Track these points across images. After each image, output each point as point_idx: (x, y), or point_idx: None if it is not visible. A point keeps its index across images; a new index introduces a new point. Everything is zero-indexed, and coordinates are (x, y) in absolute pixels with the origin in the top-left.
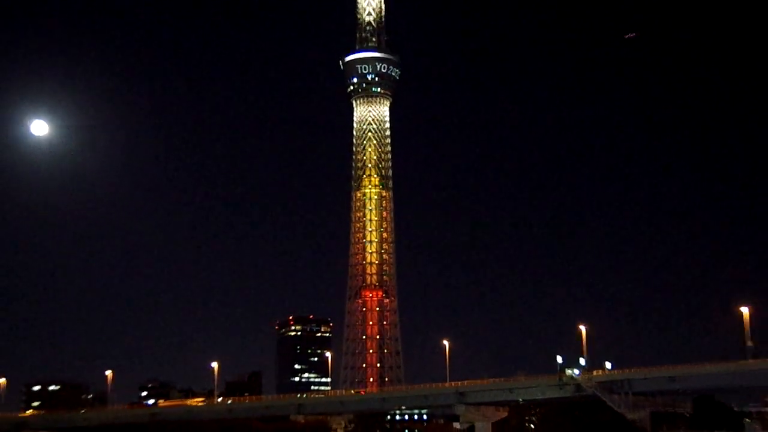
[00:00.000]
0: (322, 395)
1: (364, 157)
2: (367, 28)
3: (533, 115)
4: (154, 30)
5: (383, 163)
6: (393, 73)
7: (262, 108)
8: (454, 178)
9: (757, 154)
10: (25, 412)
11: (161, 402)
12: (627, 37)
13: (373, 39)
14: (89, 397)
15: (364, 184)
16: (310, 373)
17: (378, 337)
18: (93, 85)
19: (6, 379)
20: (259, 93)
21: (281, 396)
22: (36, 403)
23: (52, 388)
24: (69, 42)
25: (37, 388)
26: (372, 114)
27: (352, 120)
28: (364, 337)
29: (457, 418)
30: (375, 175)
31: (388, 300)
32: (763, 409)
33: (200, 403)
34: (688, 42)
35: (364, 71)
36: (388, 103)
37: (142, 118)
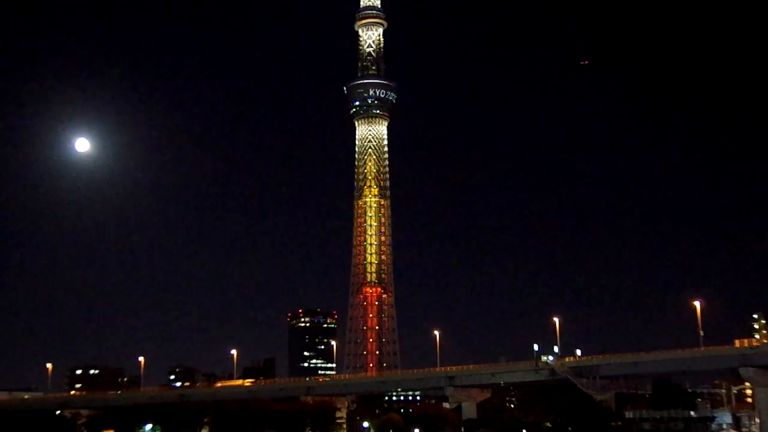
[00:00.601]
0: (328, 379)
1: (365, 170)
2: (368, 58)
3: (509, 131)
4: (182, 61)
5: (382, 175)
6: (390, 97)
7: (278, 127)
8: (444, 188)
9: (714, 153)
10: (68, 392)
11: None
12: (582, 63)
13: (373, 68)
14: (125, 380)
15: (365, 193)
16: (317, 359)
17: (377, 327)
18: (128, 108)
19: (52, 364)
20: (276, 114)
21: (292, 379)
22: (78, 385)
23: (92, 371)
24: (108, 70)
25: (79, 371)
26: (372, 132)
27: (355, 138)
28: (364, 327)
29: (446, 399)
30: (374, 186)
31: (386, 295)
32: (712, 390)
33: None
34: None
35: (365, 95)
36: (385, 123)
37: (173, 136)
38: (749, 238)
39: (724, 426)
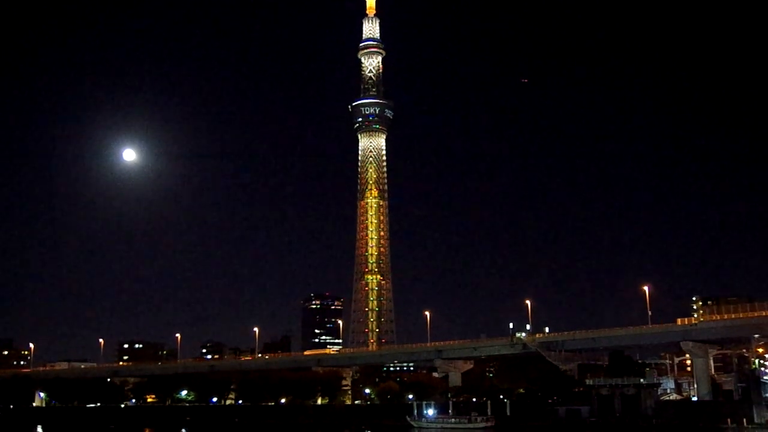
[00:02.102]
0: (336, 352)
1: (367, 176)
2: (369, 81)
3: (486, 140)
4: (214, 84)
5: (381, 180)
6: (388, 114)
7: (295, 139)
8: (433, 191)
9: (671, 145)
10: (117, 363)
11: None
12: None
13: (373, 89)
14: (164, 352)
15: (366, 195)
16: (326, 336)
17: (377, 309)
18: (168, 122)
19: (104, 339)
20: (293, 128)
21: (305, 353)
22: (125, 357)
23: (137, 345)
24: (152, 86)
25: (126, 345)
26: (372, 144)
27: (358, 148)
28: (366, 309)
29: (435, 369)
30: (375, 189)
31: (384, 282)
32: (658, 361)
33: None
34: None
35: (366, 113)
36: (384, 136)
37: (205, 146)
38: (691, 230)
39: (668, 390)
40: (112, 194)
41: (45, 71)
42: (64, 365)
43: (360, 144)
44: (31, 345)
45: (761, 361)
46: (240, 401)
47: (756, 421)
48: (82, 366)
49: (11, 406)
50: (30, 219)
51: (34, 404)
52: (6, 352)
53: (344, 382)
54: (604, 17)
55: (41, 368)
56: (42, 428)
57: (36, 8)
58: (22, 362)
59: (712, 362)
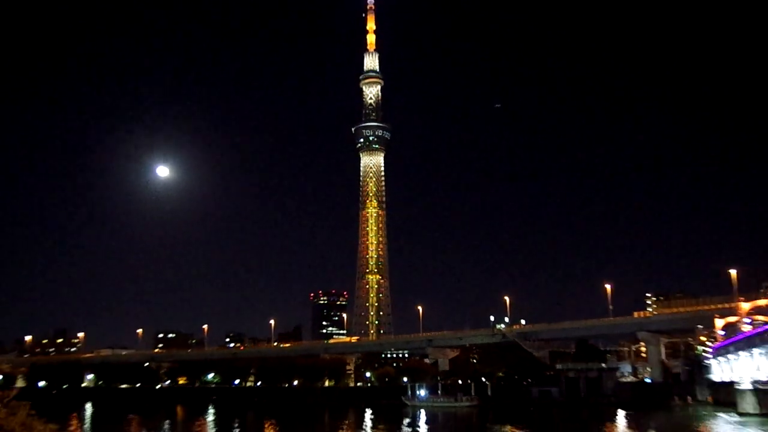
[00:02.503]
0: (340, 341)
1: (367, 189)
2: (369, 107)
3: (472, 155)
4: (235, 106)
5: (380, 192)
6: (386, 136)
7: (306, 158)
8: (426, 202)
9: (630, 147)
10: (153, 350)
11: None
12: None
13: (373, 114)
14: (193, 341)
15: (367, 206)
16: (332, 327)
17: (376, 304)
18: (195, 142)
19: (142, 329)
20: (304, 147)
21: (314, 342)
22: (160, 345)
23: (170, 335)
24: (182, 112)
25: (161, 335)
26: (372, 162)
27: (360, 165)
28: (367, 304)
29: (427, 356)
30: (374, 200)
31: (383, 280)
32: (618, 348)
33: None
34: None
35: (367, 134)
36: (382, 155)
37: (228, 162)
38: (646, 235)
39: (626, 373)
40: (149, 206)
41: (92, 97)
42: (108, 352)
43: (361, 161)
44: (81, 334)
45: (703, 348)
46: (258, 383)
47: (699, 398)
48: (124, 352)
49: (64, 387)
50: (81, 226)
51: (83, 385)
52: (60, 340)
53: (348, 367)
54: (581, 41)
55: (89, 354)
56: (90, 405)
57: (81, 38)
58: (73, 349)
59: (663, 349)
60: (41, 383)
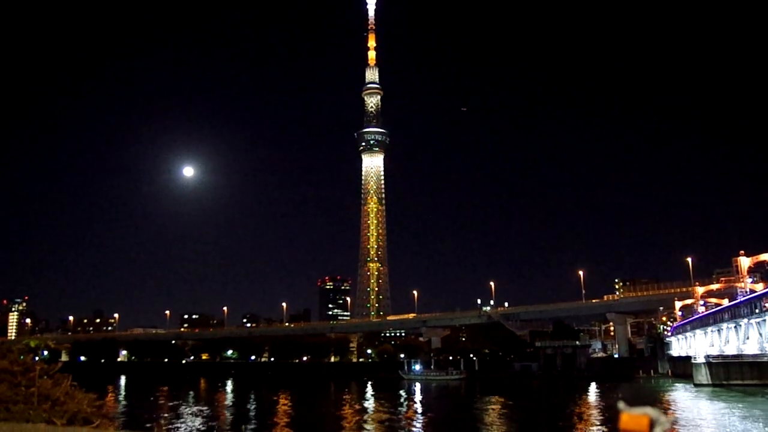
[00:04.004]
0: (345, 322)
1: (369, 187)
2: (370, 114)
3: (464, 156)
4: (255, 115)
5: (379, 190)
6: (386, 140)
7: (314, 159)
8: (420, 199)
9: (603, 149)
10: (179, 329)
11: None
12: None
13: (374, 120)
14: (214, 321)
15: (368, 202)
16: (337, 309)
17: (376, 289)
18: (218, 145)
19: (169, 310)
20: (312, 149)
21: (321, 322)
22: (185, 325)
23: (194, 316)
24: (205, 119)
25: (186, 316)
26: (373, 163)
27: (362, 166)
28: (368, 289)
29: (421, 335)
30: (375, 197)
31: (382, 268)
32: (590, 328)
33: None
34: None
35: (368, 138)
36: (382, 156)
37: (248, 163)
38: (614, 226)
39: (597, 350)
40: (177, 201)
41: (130, 108)
42: (140, 330)
43: (363, 162)
44: (116, 315)
45: (664, 327)
46: (272, 359)
47: (660, 371)
48: (153, 331)
49: (102, 361)
50: (116, 221)
51: (118, 359)
52: (98, 320)
53: (351, 345)
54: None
55: (123, 332)
56: (124, 377)
57: (116, 45)
58: (109, 328)
59: (629, 328)
60: (82, 358)
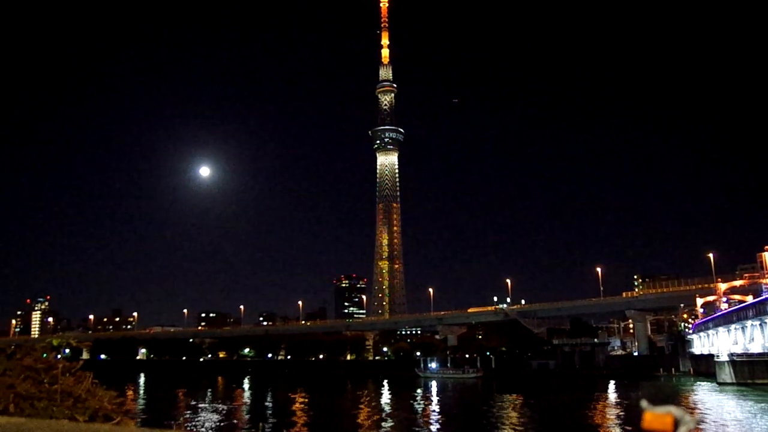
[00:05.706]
0: (360, 320)
1: (383, 185)
2: (384, 112)
3: (477, 156)
4: (268, 116)
5: (394, 187)
6: (400, 138)
7: (330, 158)
8: (435, 195)
9: (620, 145)
10: (197, 328)
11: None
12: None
13: (388, 118)
14: (231, 320)
15: (383, 199)
16: (353, 307)
17: (392, 286)
18: (233, 144)
19: (187, 310)
20: (329, 149)
21: (337, 320)
22: (203, 323)
23: (211, 314)
24: (222, 120)
25: (203, 314)
26: (388, 160)
27: (377, 164)
28: (384, 287)
29: (437, 332)
30: (389, 194)
31: (397, 265)
32: (608, 325)
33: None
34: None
35: (383, 136)
36: (396, 154)
37: (264, 163)
38: (633, 223)
39: (615, 348)
40: (193, 201)
41: (148, 107)
42: (158, 329)
43: (378, 160)
44: (135, 314)
45: (685, 324)
46: (289, 357)
47: (681, 369)
48: (171, 329)
49: (121, 359)
50: (135, 222)
51: (137, 357)
52: (117, 319)
53: (367, 343)
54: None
55: (142, 331)
56: (143, 375)
57: (133, 44)
58: (128, 326)
59: (648, 325)
60: (102, 356)
